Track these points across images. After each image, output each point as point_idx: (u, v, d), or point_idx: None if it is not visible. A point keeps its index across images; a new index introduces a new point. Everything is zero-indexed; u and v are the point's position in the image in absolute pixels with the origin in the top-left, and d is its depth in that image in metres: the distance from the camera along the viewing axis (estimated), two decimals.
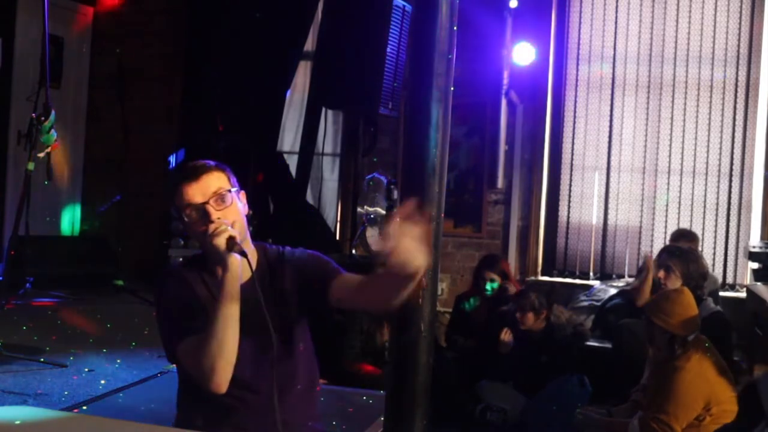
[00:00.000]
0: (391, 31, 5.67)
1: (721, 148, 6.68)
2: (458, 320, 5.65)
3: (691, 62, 6.72)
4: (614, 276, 6.78)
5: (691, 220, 6.70)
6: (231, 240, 2.25)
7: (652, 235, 6.78)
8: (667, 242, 5.94)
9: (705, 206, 6.70)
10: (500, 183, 7.02)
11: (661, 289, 4.68)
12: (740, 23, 6.62)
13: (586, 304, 6.16)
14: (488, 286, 5.42)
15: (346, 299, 2.41)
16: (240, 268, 2.28)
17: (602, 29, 6.92)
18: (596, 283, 6.56)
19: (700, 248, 6.13)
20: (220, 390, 2.24)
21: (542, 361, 4.93)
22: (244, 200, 2.46)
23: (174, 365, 2.43)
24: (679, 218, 6.73)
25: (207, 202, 2.33)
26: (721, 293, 6.17)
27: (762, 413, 3.40)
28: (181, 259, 6.79)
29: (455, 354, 5.52)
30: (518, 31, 6.75)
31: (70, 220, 7.68)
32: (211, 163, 2.43)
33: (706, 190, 6.70)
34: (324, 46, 6.14)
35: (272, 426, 2.28)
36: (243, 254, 2.27)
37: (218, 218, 2.31)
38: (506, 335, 5.00)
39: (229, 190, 2.38)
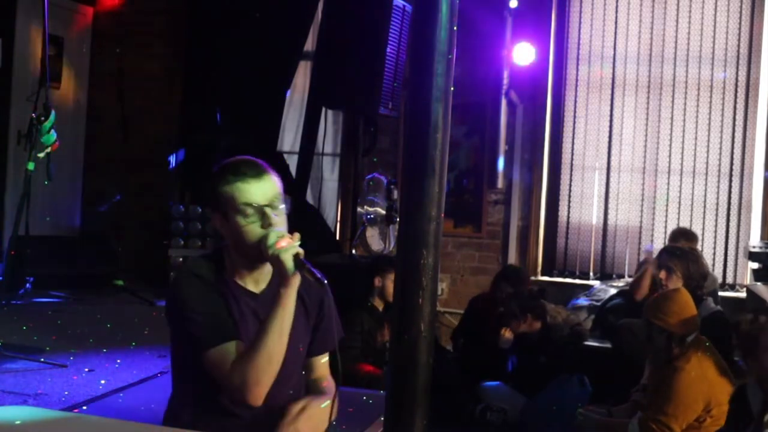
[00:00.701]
0: (391, 31, 5.68)
1: (721, 148, 6.69)
2: (468, 323, 5.64)
3: (691, 62, 6.72)
4: (614, 276, 6.79)
5: (691, 220, 6.70)
6: (298, 258, 2.18)
7: (652, 235, 6.78)
8: (667, 242, 5.94)
9: (705, 206, 6.70)
10: (500, 183, 7.02)
11: (662, 289, 4.68)
12: (740, 23, 6.62)
13: (586, 304, 6.16)
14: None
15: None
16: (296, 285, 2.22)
17: (602, 29, 6.92)
18: (596, 283, 6.56)
19: (700, 248, 6.14)
20: (257, 402, 2.20)
21: (541, 362, 4.93)
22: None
23: (176, 363, 2.40)
24: (679, 218, 6.73)
25: (268, 205, 2.25)
26: (721, 293, 6.18)
27: (751, 416, 3.40)
28: (182, 259, 6.78)
29: (455, 354, 5.52)
30: (518, 31, 6.76)
31: (70, 220, 7.68)
32: (264, 164, 2.34)
33: (706, 190, 6.70)
34: (324, 46, 6.14)
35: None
36: (311, 274, 2.19)
37: (275, 224, 2.24)
38: (507, 332, 5.01)
39: (282, 196, 2.31)
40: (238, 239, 2.27)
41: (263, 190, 2.26)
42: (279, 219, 2.26)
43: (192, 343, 2.24)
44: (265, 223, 2.24)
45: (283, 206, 2.30)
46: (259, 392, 2.19)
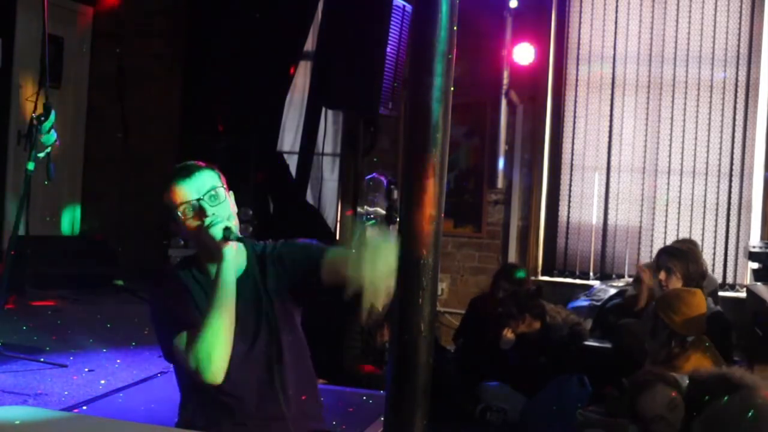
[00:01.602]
0: (391, 31, 5.67)
1: (721, 148, 6.68)
2: (469, 323, 5.63)
3: (691, 62, 6.72)
4: (614, 276, 6.78)
5: (691, 220, 6.70)
6: (227, 230, 2.32)
7: (652, 235, 6.78)
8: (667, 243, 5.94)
9: (705, 206, 6.70)
10: (500, 183, 7.02)
11: (662, 290, 4.68)
12: (740, 23, 6.62)
13: (586, 304, 6.15)
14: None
15: (340, 280, 2.31)
16: (235, 258, 2.35)
17: (602, 29, 6.91)
18: (596, 283, 6.56)
19: (699, 248, 6.14)
20: (216, 380, 2.26)
21: (541, 362, 4.93)
22: (233, 201, 2.48)
23: (171, 364, 2.43)
24: (679, 218, 6.73)
25: (201, 198, 2.36)
26: (721, 293, 6.17)
27: None
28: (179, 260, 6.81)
29: (455, 354, 5.52)
30: (518, 31, 6.76)
31: (70, 220, 7.68)
32: (201, 162, 2.47)
33: (706, 190, 6.70)
34: (324, 46, 6.14)
35: (272, 421, 2.30)
36: (240, 240, 2.35)
37: (213, 213, 2.35)
38: (509, 333, 5.00)
39: (222, 187, 2.42)
40: (187, 236, 2.44)
41: (196, 186, 2.37)
42: (217, 208, 2.37)
43: (163, 341, 2.36)
44: (203, 215, 2.35)
45: (224, 195, 2.40)
46: (214, 369, 2.25)
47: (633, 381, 3.33)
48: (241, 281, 2.39)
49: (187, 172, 2.40)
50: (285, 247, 2.52)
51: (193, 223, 2.36)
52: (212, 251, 2.36)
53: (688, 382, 3.12)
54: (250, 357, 2.37)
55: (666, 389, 3.08)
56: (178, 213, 2.37)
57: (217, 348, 2.25)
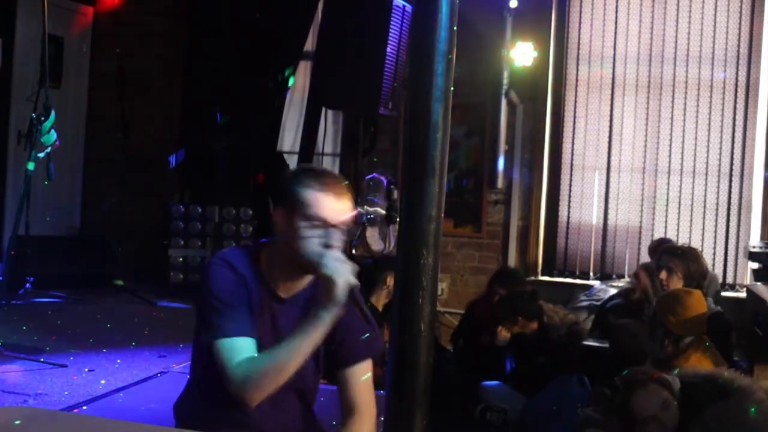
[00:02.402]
0: (391, 31, 5.67)
1: (721, 148, 6.68)
2: (466, 325, 5.64)
3: (691, 62, 6.72)
4: (614, 276, 6.78)
5: (691, 220, 6.71)
6: (352, 289, 2.16)
7: (652, 235, 6.78)
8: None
9: (705, 206, 6.70)
10: (500, 183, 7.02)
11: (663, 290, 4.69)
12: (740, 23, 6.62)
13: (586, 304, 6.16)
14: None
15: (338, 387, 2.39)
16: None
17: (602, 29, 6.92)
18: (596, 283, 6.57)
19: (700, 247, 6.14)
20: (252, 404, 2.18)
21: (540, 362, 4.93)
22: None
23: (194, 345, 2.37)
24: (679, 218, 6.74)
25: (336, 226, 2.22)
26: (721, 293, 6.18)
27: None
28: (181, 259, 6.78)
29: (455, 354, 5.52)
30: (518, 31, 6.76)
31: (70, 220, 7.68)
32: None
33: (706, 190, 6.70)
34: (324, 46, 6.14)
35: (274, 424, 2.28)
36: (361, 311, 2.23)
37: (336, 246, 2.22)
38: (503, 331, 5.01)
39: None
40: (293, 245, 2.23)
41: (342, 210, 2.23)
42: (340, 243, 2.24)
43: (208, 329, 2.22)
44: (327, 242, 2.21)
45: (344, 232, 2.27)
46: (258, 396, 2.17)
47: (625, 380, 3.32)
48: (300, 303, 2.29)
49: (341, 192, 2.24)
50: (359, 318, 2.32)
51: (311, 241, 2.20)
52: (307, 286, 2.27)
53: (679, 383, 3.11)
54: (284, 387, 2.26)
55: (659, 389, 3.07)
56: (305, 220, 2.21)
57: (272, 382, 2.14)
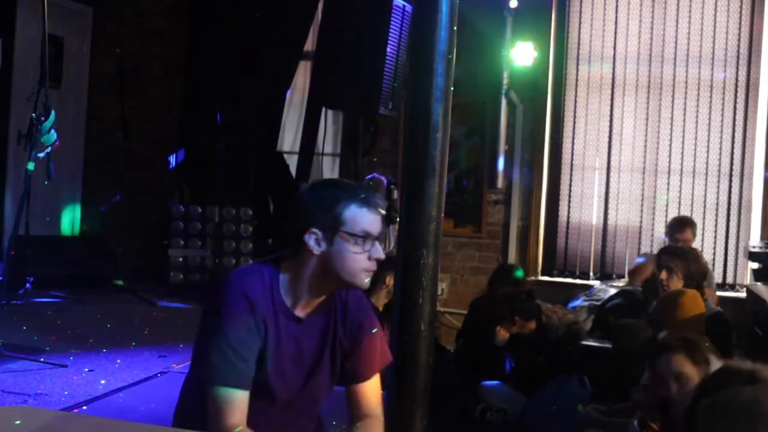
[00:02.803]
0: (391, 31, 5.67)
1: (721, 148, 6.69)
2: (470, 324, 5.64)
3: (691, 62, 6.72)
4: (614, 276, 6.78)
5: None
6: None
7: (652, 235, 6.78)
8: (667, 230, 5.97)
9: (705, 206, 6.70)
10: (500, 183, 7.02)
11: (664, 289, 4.69)
12: (740, 23, 6.62)
13: (586, 304, 6.15)
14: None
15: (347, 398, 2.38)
16: None
17: (602, 29, 6.92)
18: (596, 283, 6.56)
19: (699, 247, 6.15)
20: None
21: (539, 362, 4.93)
22: None
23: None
24: None
25: (378, 238, 2.21)
26: (722, 293, 6.18)
27: None
28: (184, 260, 6.76)
29: (455, 354, 5.52)
30: (518, 31, 6.76)
31: (70, 220, 7.68)
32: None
33: (706, 190, 6.70)
34: (324, 46, 6.15)
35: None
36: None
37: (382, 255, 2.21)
38: (502, 331, 5.01)
39: None
40: (338, 264, 2.20)
41: (378, 221, 2.22)
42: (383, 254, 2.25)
43: (209, 369, 2.18)
44: (376, 256, 2.20)
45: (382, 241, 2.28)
46: None
47: (663, 338, 3.41)
48: (318, 321, 2.29)
49: (379, 207, 2.22)
50: (371, 335, 2.34)
51: (361, 257, 2.19)
52: (323, 301, 2.25)
53: (718, 367, 3.14)
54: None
55: (685, 359, 3.14)
56: (352, 238, 2.18)
57: None
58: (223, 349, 2.15)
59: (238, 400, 2.16)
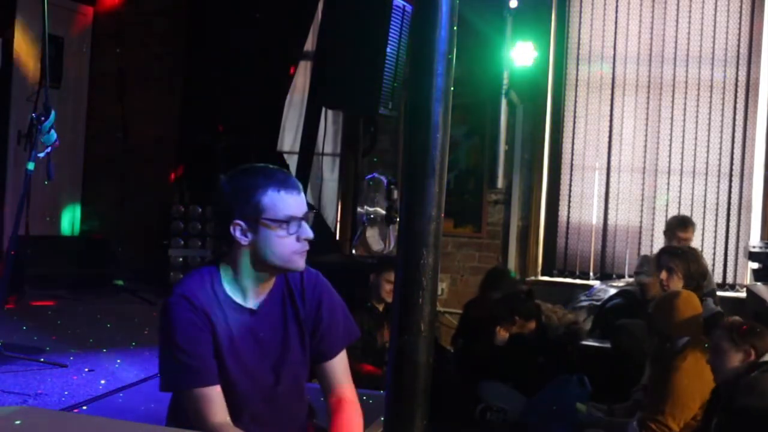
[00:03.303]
0: (391, 31, 5.67)
1: (721, 148, 6.69)
2: (464, 326, 5.65)
3: (691, 62, 6.72)
4: (614, 276, 6.79)
5: None
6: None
7: (652, 235, 6.78)
8: (665, 230, 5.96)
9: (705, 206, 6.70)
10: (500, 183, 7.01)
11: (664, 289, 4.70)
12: (740, 23, 6.62)
13: (586, 304, 6.16)
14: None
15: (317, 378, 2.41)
16: None
17: (602, 29, 6.92)
18: (596, 283, 6.56)
19: (699, 246, 6.15)
20: None
21: (539, 362, 4.93)
22: None
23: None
24: None
25: (304, 218, 2.23)
26: (722, 293, 6.18)
27: None
28: (181, 259, 6.77)
29: (455, 354, 5.52)
30: (518, 31, 6.76)
31: (70, 220, 7.68)
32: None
33: (706, 190, 6.70)
34: (324, 46, 6.14)
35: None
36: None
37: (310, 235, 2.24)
38: (501, 331, 5.02)
39: None
40: (267, 251, 2.22)
41: (300, 202, 2.24)
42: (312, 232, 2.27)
43: (167, 377, 2.22)
44: (301, 235, 2.23)
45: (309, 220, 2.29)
46: None
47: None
48: (273, 307, 2.30)
49: (295, 187, 2.24)
50: (334, 307, 2.39)
51: (289, 241, 2.20)
52: (273, 288, 2.28)
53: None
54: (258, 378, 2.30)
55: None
56: (277, 225, 2.19)
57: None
58: (176, 356, 2.18)
59: (210, 397, 2.18)
